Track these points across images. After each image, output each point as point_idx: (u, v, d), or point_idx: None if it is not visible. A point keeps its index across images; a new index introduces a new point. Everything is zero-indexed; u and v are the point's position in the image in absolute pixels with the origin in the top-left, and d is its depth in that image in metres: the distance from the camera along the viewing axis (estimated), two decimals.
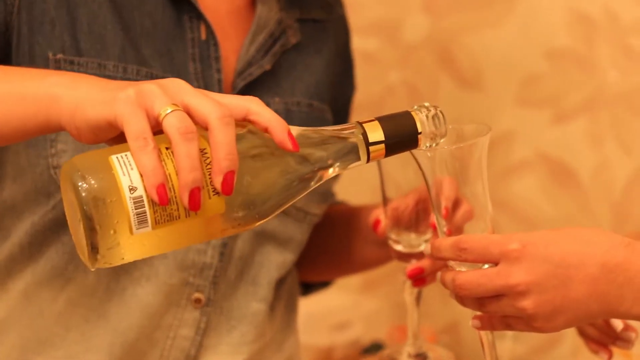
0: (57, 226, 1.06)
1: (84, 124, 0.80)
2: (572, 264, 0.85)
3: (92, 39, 1.05)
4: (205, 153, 0.78)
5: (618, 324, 1.09)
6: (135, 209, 0.76)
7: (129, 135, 0.77)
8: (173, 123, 0.76)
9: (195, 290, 1.11)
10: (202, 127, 0.78)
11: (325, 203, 1.23)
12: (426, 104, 0.87)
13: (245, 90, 1.12)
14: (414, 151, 0.91)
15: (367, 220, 1.18)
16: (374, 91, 1.86)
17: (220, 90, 1.10)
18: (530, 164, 1.74)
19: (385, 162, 1.09)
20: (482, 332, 0.95)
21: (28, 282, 1.08)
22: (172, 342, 1.11)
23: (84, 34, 1.04)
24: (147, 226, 0.77)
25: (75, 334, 1.08)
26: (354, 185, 1.52)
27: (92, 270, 0.80)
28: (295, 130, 0.81)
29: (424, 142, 0.87)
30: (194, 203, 0.76)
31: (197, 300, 1.12)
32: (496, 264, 0.87)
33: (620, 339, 1.10)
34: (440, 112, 0.87)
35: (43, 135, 1.03)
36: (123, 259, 0.79)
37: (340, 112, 1.26)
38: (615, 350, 1.12)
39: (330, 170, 0.84)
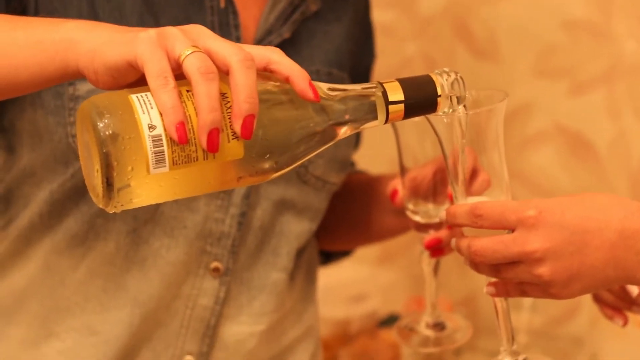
0: (77, 195, 1.07)
1: (102, 67, 0.80)
2: (589, 230, 0.85)
3: (111, 6, 1.05)
4: (226, 97, 0.78)
5: (634, 289, 1.08)
6: (154, 148, 0.76)
7: (149, 74, 0.76)
8: (193, 63, 0.76)
9: (213, 259, 1.12)
10: (223, 72, 0.78)
11: (344, 172, 1.23)
12: (446, 69, 0.88)
13: None
14: (431, 118, 0.91)
15: (385, 190, 1.18)
16: (391, 63, 1.86)
17: None
18: (547, 135, 1.74)
19: (403, 132, 1.09)
20: (497, 299, 0.95)
21: (48, 251, 1.09)
22: (191, 312, 1.12)
23: (102, 1, 1.04)
24: (165, 166, 0.77)
25: (94, 304, 1.09)
26: (372, 155, 1.52)
27: (109, 212, 0.79)
28: (316, 84, 0.81)
29: (442, 106, 0.87)
30: (212, 144, 0.76)
31: (216, 269, 1.12)
32: (512, 230, 0.87)
33: (636, 305, 1.09)
34: (461, 77, 0.88)
35: (62, 103, 1.04)
36: (138, 200, 0.78)
37: (359, 80, 1.25)
38: (631, 316, 1.12)
39: (348, 126, 0.84)
